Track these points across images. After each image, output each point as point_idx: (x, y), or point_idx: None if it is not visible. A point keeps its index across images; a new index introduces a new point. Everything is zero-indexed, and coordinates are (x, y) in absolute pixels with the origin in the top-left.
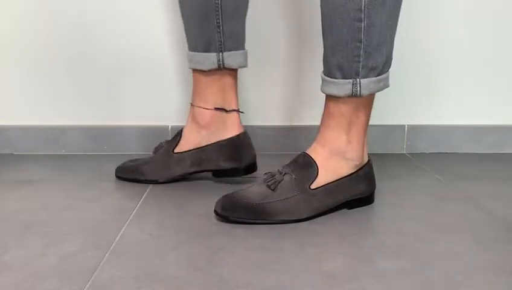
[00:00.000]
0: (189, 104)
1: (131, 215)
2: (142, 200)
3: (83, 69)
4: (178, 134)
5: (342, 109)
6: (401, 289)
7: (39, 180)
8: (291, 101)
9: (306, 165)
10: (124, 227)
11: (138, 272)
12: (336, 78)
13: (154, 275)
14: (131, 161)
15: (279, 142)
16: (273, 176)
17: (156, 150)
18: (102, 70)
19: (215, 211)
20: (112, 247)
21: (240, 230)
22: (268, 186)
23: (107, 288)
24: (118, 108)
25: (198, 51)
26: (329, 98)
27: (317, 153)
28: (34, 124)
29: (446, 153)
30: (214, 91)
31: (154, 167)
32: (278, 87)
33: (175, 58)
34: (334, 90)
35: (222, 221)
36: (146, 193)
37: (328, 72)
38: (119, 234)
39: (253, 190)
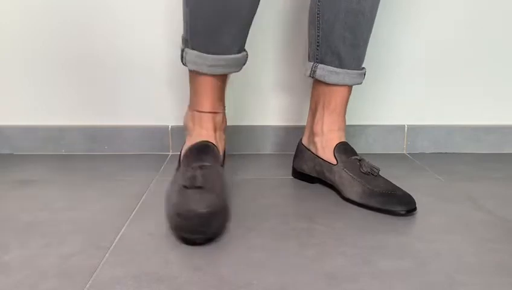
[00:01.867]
0: (203, 112)
1: (131, 215)
2: (142, 200)
3: (83, 69)
4: (213, 148)
5: (350, 93)
6: (401, 289)
7: (39, 180)
8: (292, 101)
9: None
10: (124, 227)
11: (138, 272)
12: (362, 69)
13: (154, 275)
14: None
15: (280, 142)
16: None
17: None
18: (102, 71)
19: None
20: (111, 247)
21: (240, 230)
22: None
23: (107, 288)
24: (117, 108)
25: (232, 54)
26: (344, 88)
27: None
28: (34, 124)
29: (446, 153)
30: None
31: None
32: (278, 87)
33: (175, 59)
34: (360, 80)
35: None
36: (146, 192)
37: (352, 65)
38: (119, 234)
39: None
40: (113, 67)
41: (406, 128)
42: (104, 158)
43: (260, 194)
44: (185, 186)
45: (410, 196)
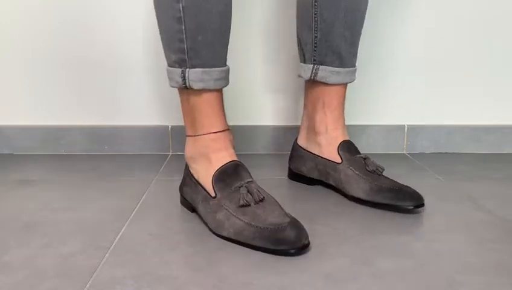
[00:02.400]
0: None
1: (131, 215)
2: (142, 200)
3: (83, 69)
4: (242, 165)
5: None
6: (401, 289)
7: (39, 180)
8: (289, 101)
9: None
10: (124, 227)
11: (138, 272)
12: (355, 66)
13: (154, 275)
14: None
15: (277, 142)
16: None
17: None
18: (102, 71)
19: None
20: (111, 247)
21: None
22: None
23: (107, 288)
24: (118, 108)
25: (226, 64)
26: (342, 86)
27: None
28: (34, 124)
29: (446, 153)
30: None
31: None
32: (275, 87)
33: None
34: (354, 76)
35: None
36: (146, 192)
37: (351, 63)
38: (119, 234)
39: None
40: (113, 67)
41: (406, 128)
42: (104, 158)
43: None
44: (243, 205)
45: (418, 193)
